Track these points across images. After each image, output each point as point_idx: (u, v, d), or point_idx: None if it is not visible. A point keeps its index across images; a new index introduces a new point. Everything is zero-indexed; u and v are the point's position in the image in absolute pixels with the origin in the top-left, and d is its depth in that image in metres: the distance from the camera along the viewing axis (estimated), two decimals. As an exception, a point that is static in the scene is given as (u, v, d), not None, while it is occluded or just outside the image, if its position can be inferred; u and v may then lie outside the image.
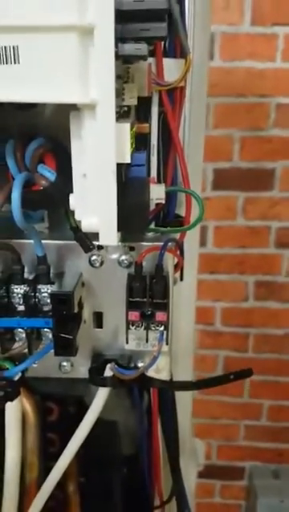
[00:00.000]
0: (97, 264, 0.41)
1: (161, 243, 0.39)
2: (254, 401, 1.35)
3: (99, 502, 0.58)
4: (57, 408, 0.53)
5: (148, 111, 0.43)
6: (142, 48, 0.26)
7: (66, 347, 0.39)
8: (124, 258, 0.41)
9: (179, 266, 0.43)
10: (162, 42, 0.41)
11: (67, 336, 0.38)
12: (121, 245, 0.40)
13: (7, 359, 0.41)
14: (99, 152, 0.28)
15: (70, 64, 0.25)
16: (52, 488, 0.47)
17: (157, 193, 0.39)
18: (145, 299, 0.39)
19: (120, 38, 0.27)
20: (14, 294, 0.39)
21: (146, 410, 0.53)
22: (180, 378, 0.53)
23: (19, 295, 0.39)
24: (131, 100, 0.36)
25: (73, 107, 0.28)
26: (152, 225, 0.45)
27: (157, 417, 0.50)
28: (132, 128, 0.30)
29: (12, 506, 0.46)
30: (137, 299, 0.39)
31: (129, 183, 0.36)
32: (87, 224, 0.29)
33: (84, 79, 0.25)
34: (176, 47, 0.41)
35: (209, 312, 1.30)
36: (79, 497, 0.56)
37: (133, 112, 0.41)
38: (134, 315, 0.40)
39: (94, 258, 0.41)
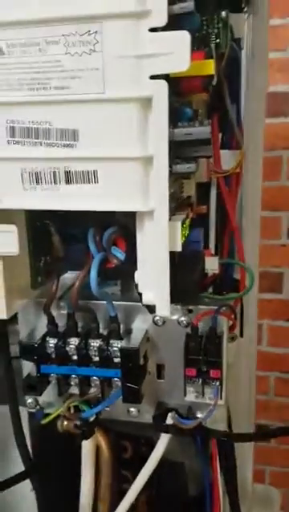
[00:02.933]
0: (160, 323, 0.48)
1: (215, 307, 0.45)
2: None
3: None
4: (130, 447, 0.59)
5: (208, 193, 0.50)
6: (192, 166, 0.34)
7: (132, 396, 0.45)
8: (183, 319, 0.47)
9: (234, 328, 0.49)
10: (220, 137, 0.49)
11: (133, 386, 0.45)
12: (180, 307, 0.47)
13: (84, 402, 0.49)
14: (155, 243, 0.35)
15: (135, 184, 0.33)
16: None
17: (212, 264, 0.46)
18: (201, 357, 0.45)
19: (175, 158, 0.34)
20: (91, 347, 0.47)
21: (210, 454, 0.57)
22: (241, 426, 0.57)
23: (95, 348, 0.47)
24: (189, 192, 0.44)
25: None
26: (210, 290, 0.51)
27: (217, 463, 0.55)
28: (184, 222, 0.37)
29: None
30: (194, 357, 0.45)
31: (185, 257, 0.43)
32: (146, 297, 0.37)
33: (146, 193, 0.33)
34: (232, 141, 0.48)
35: (287, 359, 1.30)
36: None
37: (194, 195, 0.48)
38: (191, 372, 0.46)
39: (157, 318, 0.48)
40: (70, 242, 0.45)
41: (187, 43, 0.29)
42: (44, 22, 0.31)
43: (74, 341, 0.47)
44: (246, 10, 0.48)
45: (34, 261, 0.44)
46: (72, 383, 0.48)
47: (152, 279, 0.36)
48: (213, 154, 0.48)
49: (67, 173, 0.34)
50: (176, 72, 0.31)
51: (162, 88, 0.31)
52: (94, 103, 0.32)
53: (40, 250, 0.44)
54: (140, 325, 0.48)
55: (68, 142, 0.33)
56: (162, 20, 0.29)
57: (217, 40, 0.37)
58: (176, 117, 0.34)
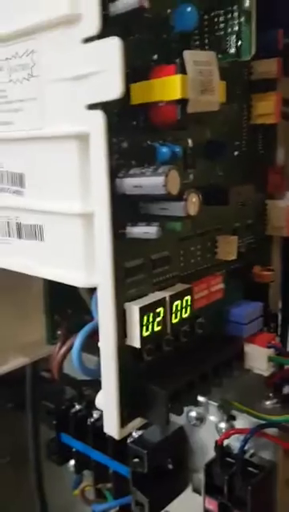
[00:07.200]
0: (194, 422, 0.36)
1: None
2: None
3: None
4: None
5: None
6: (151, 231, 0.23)
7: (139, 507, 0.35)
8: (222, 426, 0.35)
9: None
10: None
11: (142, 497, 0.35)
12: (220, 410, 0.35)
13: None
14: (102, 332, 0.25)
15: (77, 249, 0.24)
16: None
17: (256, 360, 0.32)
18: (225, 488, 0.32)
19: (133, 219, 0.24)
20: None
21: None
22: None
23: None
24: (229, 254, 0.31)
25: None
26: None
27: None
28: (178, 299, 0.26)
29: None
30: (217, 485, 0.32)
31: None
32: (97, 400, 0.27)
33: (91, 264, 0.24)
34: None
35: None
36: None
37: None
38: (212, 504, 0.33)
39: (191, 414, 0.36)
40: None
41: (116, 56, 0.20)
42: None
43: (96, 414, 0.40)
44: None
45: (52, 313, 0.38)
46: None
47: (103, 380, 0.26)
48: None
49: (18, 226, 0.27)
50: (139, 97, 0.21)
51: (97, 122, 0.21)
52: (34, 141, 0.25)
53: (61, 302, 0.38)
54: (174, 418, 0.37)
55: (17, 188, 0.26)
56: (94, 25, 0.20)
57: (239, 42, 0.25)
58: (146, 161, 0.24)
